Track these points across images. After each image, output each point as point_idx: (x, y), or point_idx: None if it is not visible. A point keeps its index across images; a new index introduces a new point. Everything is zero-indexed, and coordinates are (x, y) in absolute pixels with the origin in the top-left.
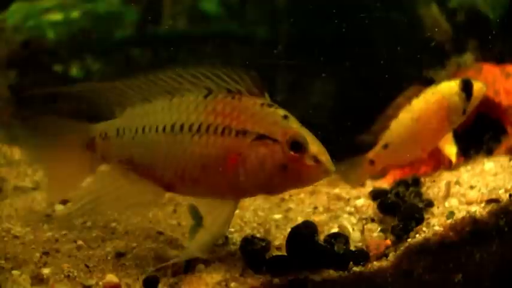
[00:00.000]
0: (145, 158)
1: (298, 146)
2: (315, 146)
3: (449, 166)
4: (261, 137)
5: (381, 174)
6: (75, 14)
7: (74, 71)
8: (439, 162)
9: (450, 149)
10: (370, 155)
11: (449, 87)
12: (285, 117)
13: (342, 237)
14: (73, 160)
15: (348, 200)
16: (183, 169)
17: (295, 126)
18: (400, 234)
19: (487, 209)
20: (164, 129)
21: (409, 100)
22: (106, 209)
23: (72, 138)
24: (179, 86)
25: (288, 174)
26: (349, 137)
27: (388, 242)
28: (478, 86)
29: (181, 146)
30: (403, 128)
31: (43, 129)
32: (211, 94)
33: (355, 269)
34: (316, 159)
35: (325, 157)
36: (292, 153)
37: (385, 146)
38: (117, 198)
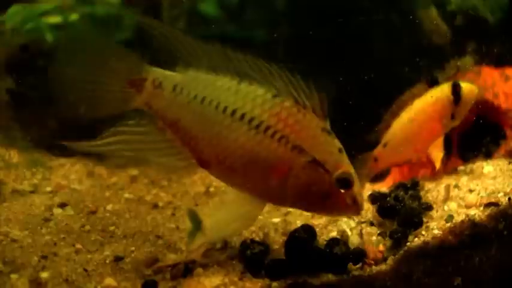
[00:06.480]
0: (193, 129)
1: (345, 183)
2: (357, 187)
3: (432, 172)
4: (315, 162)
5: (382, 174)
6: (74, 16)
7: None
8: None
9: (436, 154)
10: (375, 152)
11: (442, 90)
12: (340, 150)
13: (340, 242)
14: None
15: None
16: (226, 156)
17: (346, 162)
18: (399, 238)
19: (486, 213)
20: (225, 110)
21: (412, 99)
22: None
23: (119, 66)
24: (248, 72)
25: (325, 203)
26: (350, 139)
27: (381, 247)
28: (467, 90)
29: (234, 134)
30: (400, 128)
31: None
32: (279, 97)
33: (354, 272)
34: (354, 200)
35: (361, 198)
36: (337, 188)
37: (385, 145)
38: (144, 147)
